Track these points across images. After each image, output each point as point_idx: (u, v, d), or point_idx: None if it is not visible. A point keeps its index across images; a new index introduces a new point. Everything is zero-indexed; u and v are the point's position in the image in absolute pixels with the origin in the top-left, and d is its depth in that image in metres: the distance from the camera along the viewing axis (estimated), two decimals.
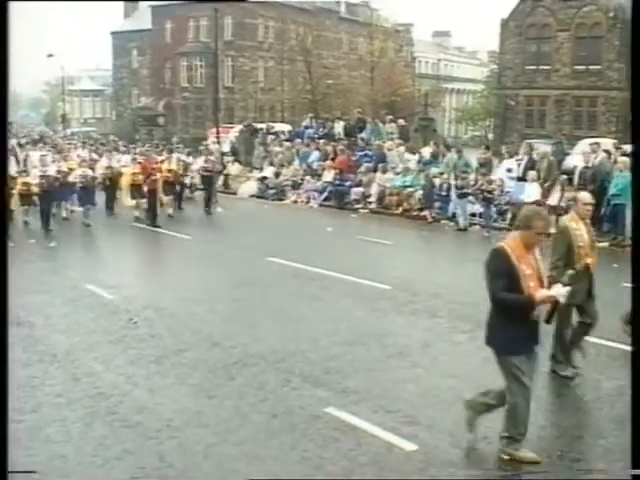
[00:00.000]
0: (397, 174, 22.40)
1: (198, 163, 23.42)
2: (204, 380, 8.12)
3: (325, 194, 23.93)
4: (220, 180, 24.31)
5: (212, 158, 23.92)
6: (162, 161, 21.63)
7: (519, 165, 20.26)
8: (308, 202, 24.14)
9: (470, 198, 19.51)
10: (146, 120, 56.08)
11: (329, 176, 24.15)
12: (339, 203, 23.14)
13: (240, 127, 34.86)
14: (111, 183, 21.43)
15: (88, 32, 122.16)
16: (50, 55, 59.91)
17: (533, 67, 44.76)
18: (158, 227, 19.11)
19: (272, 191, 25.65)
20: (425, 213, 20.52)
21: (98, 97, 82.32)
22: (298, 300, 11.76)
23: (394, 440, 6.53)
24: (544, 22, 44.01)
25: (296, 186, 25.07)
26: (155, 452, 6.42)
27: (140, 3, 68.57)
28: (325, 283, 12.78)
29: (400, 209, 21.42)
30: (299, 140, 28.26)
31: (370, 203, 22.46)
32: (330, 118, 32.93)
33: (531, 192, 18.76)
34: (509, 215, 19.02)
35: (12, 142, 36.80)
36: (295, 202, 24.45)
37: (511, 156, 21.36)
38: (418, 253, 17.02)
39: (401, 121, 28.56)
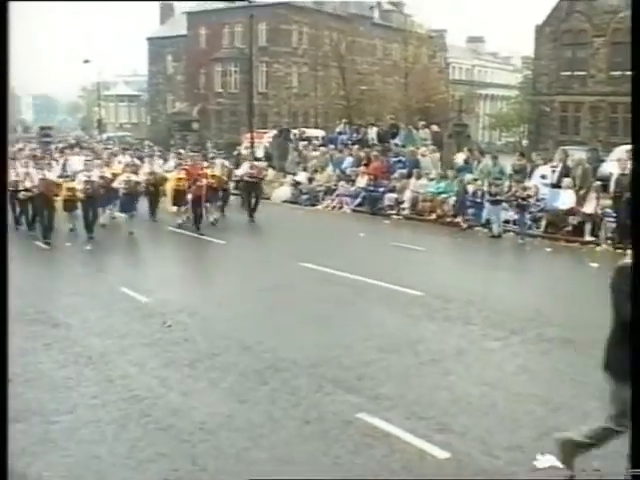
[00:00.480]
0: (431, 180, 22.32)
1: (243, 169, 22.80)
2: (236, 384, 8.13)
3: (358, 200, 23.91)
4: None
5: (257, 164, 23.44)
6: (207, 167, 21.25)
7: (554, 172, 20.08)
8: (341, 208, 24.15)
9: (504, 205, 19.36)
10: (181, 125, 56.42)
11: (362, 182, 24.14)
12: (372, 209, 23.11)
13: (274, 132, 35.02)
14: (154, 189, 21.01)
15: (124, 38, 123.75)
16: (86, 61, 60.82)
17: (568, 73, 44.34)
18: (202, 234, 18.73)
19: (305, 196, 25.70)
20: (458, 219, 20.42)
21: (133, 102, 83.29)
22: (331, 305, 11.75)
23: (426, 447, 6.49)
24: (580, 28, 43.58)
25: (329, 192, 25.09)
26: (188, 455, 6.45)
27: (176, 9, 69.28)
28: (358, 289, 12.76)
29: (433, 215, 21.33)
30: (332, 146, 28.31)
31: (403, 209, 22.40)
32: (364, 124, 32.90)
33: (566, 199, 18.60)
34: (543, 222, 18.88)
35: (51, 147, 37.50)
36: (328, 207, 24.46)
37: (546, 163, 21.16)
38: (451, 259, 16.92)
39: (435, 127, 28.47)
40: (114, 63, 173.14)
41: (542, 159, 21.81)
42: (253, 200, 21.97)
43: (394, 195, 22.94)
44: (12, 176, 19.61)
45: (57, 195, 18.35)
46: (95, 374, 8.52)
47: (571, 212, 18.37)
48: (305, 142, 30.66)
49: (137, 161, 23.42)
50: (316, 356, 9.00)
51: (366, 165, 24.85)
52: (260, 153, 31.36)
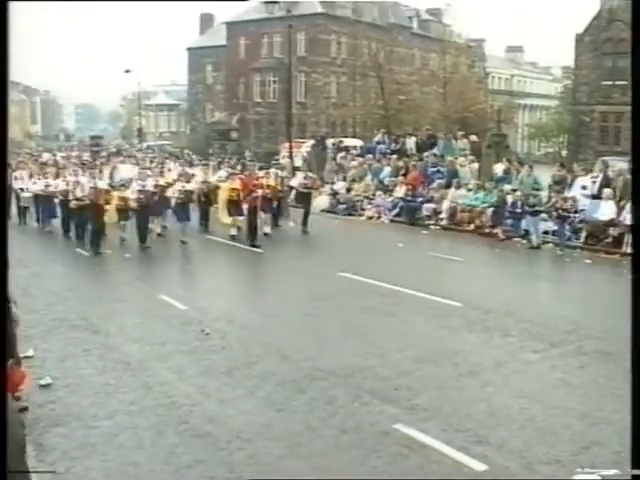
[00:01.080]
0: (469, 190, 22.19)
1: (297, 179, 22.46)
2: (274, 393, 8.16)
3: (396, 210, 23.85)
4: (292, 194, 24.15)
5: (311, 175, 22.93)
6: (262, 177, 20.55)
7: (594, 183, 19.83)
8: (379, 217, 24.10)
9: (543, 215, 19.18)
10: (219, 134, 56.93)
11: (401, 192, 24.07)
12: (410, 219, 23.03)
13: (312, 142, 35.11)
14: (206, 199, 20.65)
15: (164, 48, 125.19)
16: (127, 71, 61.53)
17: (609, 82, 43.83)
18: (257, 247, 18.13)
19: (343, 206, 25.70)
20: (497, 230, 20.26)
21: (173, 111, 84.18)
22: (369, 315, 11.73)
23: (464, 459, 6.45)
24: (620, 37, 43.03)
25: (367, 201, 25.07)
26: (225, 463, 6.48)
27: (216, 20, 69.92)
28: (396, 299, 12.72)
29: (472, 226, 21.19)
30: (371, 155, 28.29)
31: (441, 219, 22.29)
32: (402, 134, 32.84)
33: (606, 210, 18.36)
34: (583, 234, 18.65)
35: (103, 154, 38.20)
36: (366, 217, 24.43)
37: (586, 174, 20.91)
38: (490, 270, 16.79)
39: (473, 137, 28.30)
40: (154, 73, 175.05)
41: (583, 170, 21.56)
42: (305, 211, 21.57)
43: (432, 205, 22.84)
44: (62, 185, 20.03)
45: (108, 204, 18.24)
46: (134, 380, 8.62)
47: (611, 223, 18.12)
48: (343, 152, 30.68)
49: (189, 170, 23.18)
50: (354, 366, 8.99)
51: (404, 175, 24.79)
52: (299, 162, 31.44)
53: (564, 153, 53.62)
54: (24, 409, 7.19)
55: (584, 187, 19.94)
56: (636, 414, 4.93)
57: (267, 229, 20.16)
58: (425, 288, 13.17)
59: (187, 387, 8.35)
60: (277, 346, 9.87)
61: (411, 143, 28.73)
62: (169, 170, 23.06)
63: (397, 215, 23.76)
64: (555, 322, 11.07)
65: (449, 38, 56.98)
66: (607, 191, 18.75)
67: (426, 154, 26.06)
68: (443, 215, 22.30)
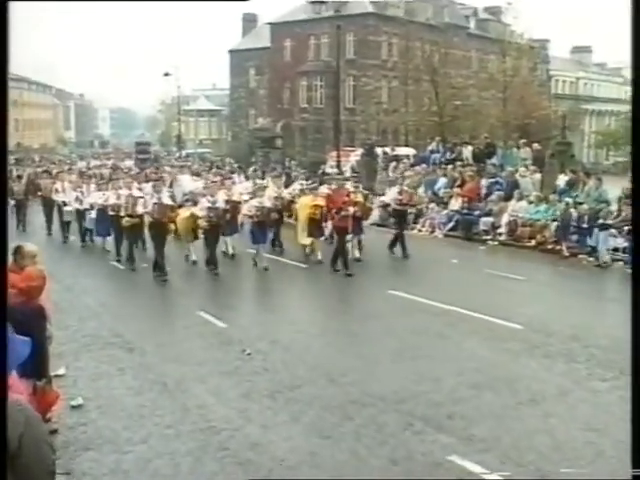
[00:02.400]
0: (530, 203, 21.96)
1: (391, 194, 20.72)
2: (319, 419, 8.16)
3: (451, 223, 23.72)
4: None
5: (407, 189, 20.89)
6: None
7: None
8: (433, 232, 23.99)
9: (612, 231, 18.90)
10: (263, 142, 57.16)
11: (456, 204, 23.95)
12: (466, 234, 22.88)
13: (361, 150, 35.14)
14: (279, 216, 19.17)
15: (205, 50, 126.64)
16: (167, 74, 61.99)
17: None
18: (351, 275, 16.56)
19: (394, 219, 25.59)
20: (561, 247, 20.01)
21: (214, 117, 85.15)
22: (421, 337, 11.67)
23: None
24: None
25: (420, 214, 24.95)
26: None
27: (259, 20, 70.53)
28: (450, 319, 12.64)
29: (533, 242, 20.96)
30: (424, 165, 28.23)
31: (500, 234, 22.09)
32: (458, 142, 32.72)
33: None
34: None
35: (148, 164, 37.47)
36: (419, 231, 24.32)
37: None
38: (553, 290, 16.58)
39: (536, 145, 28.08)
40: (195, 77, 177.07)
41: None
42: (400, 231, 19.96)
43: (490, 219, 22.66)
44: (112, 199, 18.56)
45: (172, 222, 17.07)
46: (170, 402, 8.69)
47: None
48: (395, 161, 30.66)
49: (263, 182, 21.89)
50: (404, 391, 8.95)
51: (460, 186, 24.67)
52: (347, 172, 31.50)
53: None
54: (54, 431, 7.29)
55: None
56: (636, 415, 5.01)
57: (357, 253, 18.97)
58: (482, 308, 13.07)
59: (227, 410, 8.39)
60: (324, 368, 9.88)
61: (467, 152, 28.61)
62: (233, 183, 21.92)
63: (452, 229, 23.63)
64: (625, 347, 10.84)
65: (509, 39, 56.59)
66: None
67: (484, 164, 25.93)
68: (502, 230, 22.11)
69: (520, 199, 22.38)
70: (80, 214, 21.46)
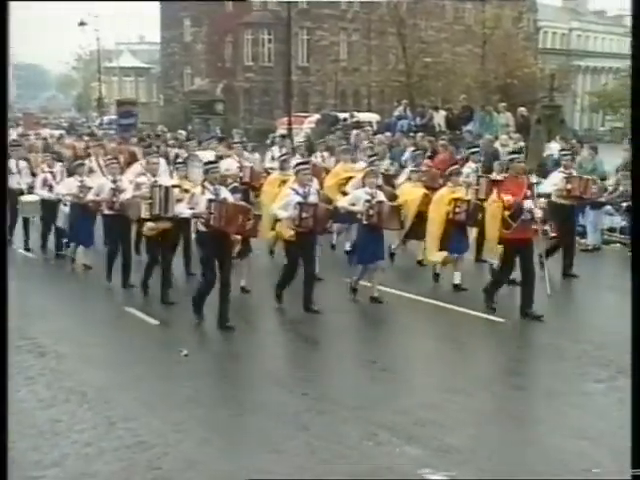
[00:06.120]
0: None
1: (554, 180, 15.79)
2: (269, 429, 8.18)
3: None
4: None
5: (575, 173, 15.97)
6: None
7: None
8: None
9: (608, 208, 19.10)
10: (201, 107, 56.85)
11: None
12: None
13: (317, 117, 35.15)
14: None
15: None
16: (82, 23, 59.95)
17: None
18: (539, 317, 12.31)
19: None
20: (546, 227, 20.15)
21: (142, 77, 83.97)
22: None
23: None
24: None
25: None
26: None
27: None
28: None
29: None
30: (389, 133, 28.29)
31: None
32: (429, 106, 32.88)
33: None
34: None
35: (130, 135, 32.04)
36: None
37: None
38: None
39: (521, 109, 28.34)
40: (118, 27, 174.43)
41: None
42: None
43: None
44: (108, 188, 14.50)
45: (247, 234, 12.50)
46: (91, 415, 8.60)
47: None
48: (357, 130, 30.71)
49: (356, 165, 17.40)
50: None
51: (431, 157, 24.75)
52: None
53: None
54: None
55: None
56: (636, 415, 5.58)
57: (457, 279, 14.42)
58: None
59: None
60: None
61: (440, 118, 28.76)
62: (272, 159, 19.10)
63: None
64: (623, 343, 10.95)
65: None
66: None
67: (459, 132, 26.07)
68: None
69: (501, 172, 22.49)
70: (49, 207, 17.36)
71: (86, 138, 28.78)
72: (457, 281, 14.16)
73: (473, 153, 19.23)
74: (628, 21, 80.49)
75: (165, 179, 14.03)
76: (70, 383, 9.47)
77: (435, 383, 9.76)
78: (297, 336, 11.93)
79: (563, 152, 17.21)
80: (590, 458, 7.44)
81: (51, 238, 17.64)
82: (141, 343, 11.38)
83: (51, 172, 17.31)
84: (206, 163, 12.69)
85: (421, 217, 14.62)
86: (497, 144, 24.10)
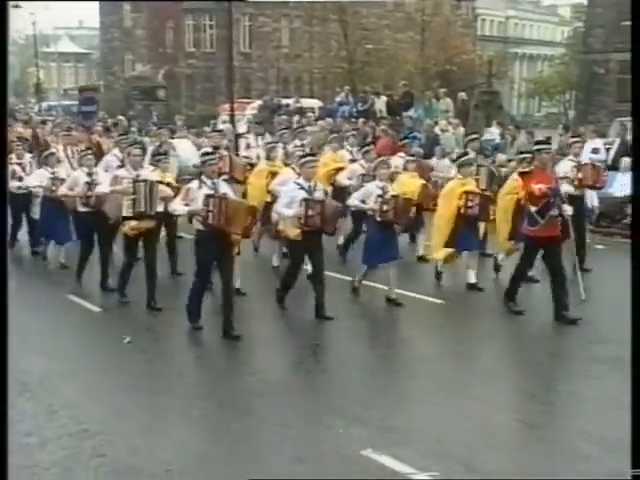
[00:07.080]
0: (453, 162, 22.22)
1: (564, 167, 14.19)
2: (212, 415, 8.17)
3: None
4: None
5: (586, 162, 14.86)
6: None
7: (608, 150, 19.90)
8: None
9: None
10: (142, 93, 56.12)
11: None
12: None
13: (259, 103, 35.02)
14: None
15: None
16: (17, 6, 57.94)
17: (629, 23, 43.89)
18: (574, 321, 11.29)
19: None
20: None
21: (81, 62, 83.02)
22: None
23: None
24: None
25: None
26: None
27: None
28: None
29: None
30: (331, 119, 28.29)
31: None
32: (370, 92, 32.93)
33: (625, 184, 18.41)
34: (594, 213, 18.50)
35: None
36: None
37: (599, 138, 20.97)
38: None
39: (462, 94, 28.53)
40: (55, 12, 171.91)
41: (594, 132, 21.46)
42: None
43: None
44: (82, 180, 13.36)
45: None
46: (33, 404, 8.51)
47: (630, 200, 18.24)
48: (298, 115, 30.67)
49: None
50: None
51: (373, 143, 24.81)
52: (242, 128, 31.31)
53: (571, 114, 54.11)
54: None
55: (595, 150, 19.66)
56: (636, 415, 5.62)
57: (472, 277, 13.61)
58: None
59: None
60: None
61: (381, 103, 28.82)
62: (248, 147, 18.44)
63: None
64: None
65: None
66: (626, 160, 18.50)
67: (400, 117, 26.15)
68: None
69: (442, 157, 22.63)
70: (19, 200, 16.04)
71: (43, 126, 27.60)
72: (472, 280, 13.30)
73: (405, 138, 19.13)
74: (562, 10, 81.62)
75: (147, 173, 12.55)
76: None
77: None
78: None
79: (573, 139, 15.78)
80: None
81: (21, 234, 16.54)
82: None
83: (19, 163, 16.02)
84: (203, 154, 11.54)
85: (418, 209, 14.02)
86: (437, 129, 24.26)
